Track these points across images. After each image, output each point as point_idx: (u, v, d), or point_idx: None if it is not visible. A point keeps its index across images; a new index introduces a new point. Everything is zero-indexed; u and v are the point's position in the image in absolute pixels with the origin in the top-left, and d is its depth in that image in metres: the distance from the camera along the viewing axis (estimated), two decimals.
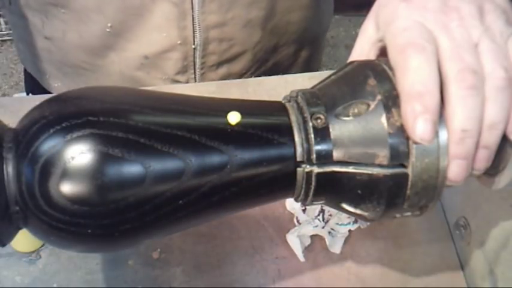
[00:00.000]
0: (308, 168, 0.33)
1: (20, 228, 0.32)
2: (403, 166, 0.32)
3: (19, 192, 0.30)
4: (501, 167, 0.35)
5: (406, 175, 0.32)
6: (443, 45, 0.33)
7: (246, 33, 0.63)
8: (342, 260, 0.52)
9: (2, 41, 1.97)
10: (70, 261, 0.49)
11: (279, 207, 0.54)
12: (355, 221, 0.52)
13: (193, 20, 0.59)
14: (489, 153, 0.33)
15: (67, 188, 0.30)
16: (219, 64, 0.64)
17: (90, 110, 0.32)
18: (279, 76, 0.61)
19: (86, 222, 0.31)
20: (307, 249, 0.52)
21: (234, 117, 0.33)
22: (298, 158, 0.33)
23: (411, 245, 0.53)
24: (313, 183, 0.34)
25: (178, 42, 0.60)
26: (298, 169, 0.33)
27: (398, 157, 0.32)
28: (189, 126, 0.33)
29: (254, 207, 0.38)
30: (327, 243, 0.52)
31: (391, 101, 0.32)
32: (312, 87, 0.36)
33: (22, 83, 0.87)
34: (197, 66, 0.63)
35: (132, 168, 0.31)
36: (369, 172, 0.32)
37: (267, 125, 0.34)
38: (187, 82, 0.64)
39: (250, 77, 0.68)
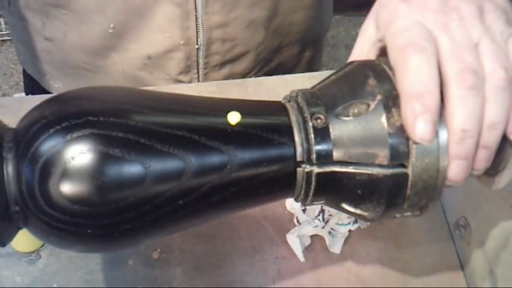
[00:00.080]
0: (308, 168, 0.33)
1: (20, 228, 0.32)
2: (403, 166, 0.32)
3: (19, 192, 0.30)
4: (501, 167, 0.35)
5: (406, 175, 0.32)
6: (443, 45, 0.32)
7: (249, 34, 0.63)
8: (342, 260, 0.52)
9: (2, 41, 1.97)
10: (70, 261, 0.49)
11: (279, 207, 0.54)
12: (355, 221, 0.52)
13: (196, 20, 0.59)
14: (489, 153, 0.33)
15: (67, 188, 0.30)
16: (222, 64, 0.64)
17: (90, 110, 0.32)
18: (279, 76, 0.61)
19: (86, 222, 0.31)
20: (307, 249, 0.52)
21: (234, 117, 0.33)
22: (298, 158, 0.33)
23: (411, 245, 0.53)
24: (313, 183, 0.34)
25: (182, 42, 0.60)
26: (298, 169, 0.33)
27: (398, 157, 0.32)
28: (189, 126, 0.33)
29: (254, 207, 0.38)
30: (327, 243, 0.52)
31: (391, 101, 0.32)
32: (312, 87, 0.36)
33: (22, 83, 0.86)
34: (200, 66, 0.63)
35: (132, 168, 0.31)
36: (369, 172, 0.32)
37: (267, 125, 0.34)
38: (190, 82, 0.64)
39: (253, 77, 0.68)
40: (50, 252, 0.50)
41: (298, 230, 0.52)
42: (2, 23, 1.93)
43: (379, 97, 0.32)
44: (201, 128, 0.33)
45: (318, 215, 0.52)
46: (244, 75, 0.67)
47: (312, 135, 0.33)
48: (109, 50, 0.62)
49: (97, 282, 0.49)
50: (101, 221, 0.31)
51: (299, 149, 0.33)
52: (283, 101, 0.36)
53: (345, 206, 0.35)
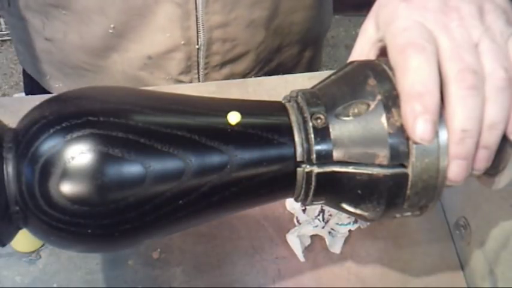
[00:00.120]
0: (308, 168, 0.33)
1: (20, 228, 0.32)
2: (403, 166, 0.32)
3: (19, 192, 0.30)
4: (501, 167, 0.35)
5: (406, 175, 0.32)
6: (444, 45, 0.32)
7: (249, 34, 0.63)
8: (342, 260, 0.52)
9: (2, 41, 1.97)
10: (70, 261, 0.49)
11: (279, 207, 0.54)
12: (355, 221, 0.52)
13: (196, 20, 0.59)
14: (489, 153, 0.33)
15: (67, 188, 0.30)
16: (223, 64, 0.64)
17: (90, 110, 0.32)
18: (279, 76, 0.61)
19: (86, 222, 0.31)
20: (307, 249, 0.52)
21: (234, 117, 0.33)
22: (298, 158, 0.33)
23: (411, 245, 0.53)
24: (313, 183, 0.34)
25: (182, 42, 0.60)
26: (298, 169, 0.33)
27: (398, 157, 0.32)
28: (189, 126, 0.33)
29: (254, 207, 0.38)
30: (327, 243, 0.52)
31: (391, 101, 0.32)
32: (312, 87, 0.36)
33: (22, 83, 0.86)
34: (201, 66, 0.63)
35: (132, 168, 0.31)
36: (369, 172, 0.32)
37: (267, 125, 0.34)
38: (190, 82, 0.64)
39: (254, 77, 0.68)
40: (50, 252, 0.50)
41: (298, 230, 0.52)
42: (2, 23, 1.93)
43: (379, 97, 0.32)
44: (201, 128, 0.33)
45: (318, 215, 0.52)
46: (244, 75, 0.67)
47: (312, 135, 0.33)
48: (109, 50, 0.62)
49: (97, 282, 0.49)
50: (101, 221, 0.31)
51: (299, 149, 0.33)
52: (283, 101, 0.36)
53: (345, 206, 0.35)
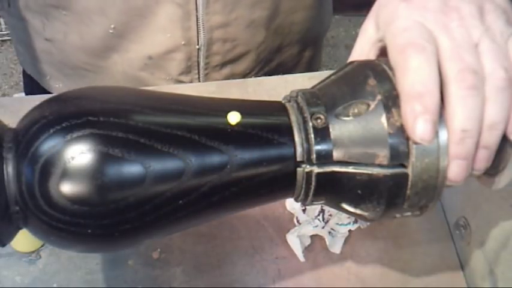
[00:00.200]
0: (308, 168, 0.33)
1: (20, 228, 0.32)
2: (403, 166, 0.32)
3: (19, 192, 0.30)
4: (501, 167, 0.35)
5: (406, 175, 0.32)
6: (444, 45, 0.32)
7: (250, 34, 0.63)
8: (342, 260, 0.52)
9: (2, 41, 1.97)
10: (70, 261, 0.49)
11: (279, 207, 0.54)
12: (355, 221, 0.52)
13: (197, 20, 0.59)
14: (489, 153, 0.33)
15: (67, 188, 0.30)
16: (223, 64, 0.64)
17: (90, 110, 0.32)
18: (279, 76, 0.61)
19: (86, 222, 0.31)
20: (307, 249, 0.52)
21: (234, 117, 0.33)
22: (298, 158, 0.33)
23: (411, 245, 0.53)
24: (313, 183, 0.34)
25: (182, 42, 0.60)
26: (298, 169, 0.33)
27: (398, 157, 0.32)
28: (189, 126, 0.33)
29: (254, 207, 0.38)
30: (327, 243, 0.52)
31: (391, 101, 0.32)
32: (312, 87, 0.36)
33: (22, 83, 0.86)
34: (201, 66, 0.63)
35: (132, 168, 0.31)
36: (369, 172, 0.32)
37: (267, 125, 0.34)
38: (191, 82, 0.64)
39: (254, 77, 0.68)
40: (50, 252, 0.50)
41: (298, 230, 0.52)
42: (2, 23, 1.93)
43: (379, 97, 0.32)
44: (201, 128, 0.33)
45: (318, 215, 0.52)
46: (244, 75, 0.67)
47: (312, 135, 0.33)
48: (110, 51, 0.62)
49: (97, 282, 0.49)
50: (101, 221, 0.31)
51: (299, 149, 0.33)
52: (283, 101, 0.36)
53: (345, 206, 0.35)
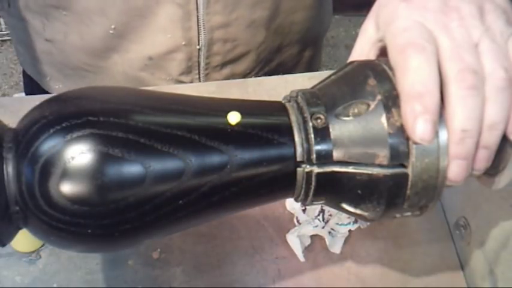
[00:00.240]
0: (308, 168, 0.33)
1: (20, 228, 0.32)
2: (403, 166, 0.32)
3: (19, 192, 0.30)
4: (501, 167, 0.35)
5: (406, 175, 0.32)
6: (444, 45, 0.32)
7: (250, 34, 0.63)
8: (342, 260, 0.52)
9: (2, 41, 1.97)
10: (70, 261, 0.49)
11: (279, 207, 0.54)
12: (355, 221, 0.52)
13: (198, 20, 0.59)
14: (489, 153, 0.33)
15: (67, 188, 0.30)
16: (223, 64, 0.64)
17: (90, 110, 0.32)
18: (279, 76, 0.61)
19: (86, 222, 0.31)
20: (307, 249, 0.52)
21: (234, 117, 0.33)
22: (298, 158, 0.33)
23: (411, 245, 0.53)
24: (313, 183, 0.34)
25: (183, 43, 0.60)
26: (298, 169, 0.33)
27: (398, 157, 0.32)
28: (189, 126, 0.33)
29: (254, 207, 0.38)
30: (327, 243, 0.52)
31: (391, 101, 0.32)
32: (312, 87, 0.36)
33: (22, 83, 0.86)
34: (201, 66, 0.63)
35: (132, 168, 0.31)
36: (369, 172, 0.32)
37: (267, 125, 0.34)
38: (191, 82, 0.64)
39: (254, 77, 0.68)
40: (50, 252, 0.50)
41: (298, 230, 0.52)
42: (2, 23, 1.93)
43: (379, 97, 0.32)
44: (201, 128, 0.33)
45: (318, 215, 0.52)
46: (244, 75, 0.67)
47: (312, 135, 0.33)
48: (110, 51, 0.62)
49: (97, 282, 0.49)
50: (101, 221, 0.31)
51: (299, 149, 0.33)
52: (283, 101, 0.36)
53: (345, 206, 0.35)
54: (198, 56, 0.62)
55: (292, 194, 0.35)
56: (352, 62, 0.35)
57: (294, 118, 0.34)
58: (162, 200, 0.32)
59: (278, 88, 0.59)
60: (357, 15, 2.05)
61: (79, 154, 0.30)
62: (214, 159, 0.32)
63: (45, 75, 0.68)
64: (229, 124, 0.33)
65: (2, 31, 1.95)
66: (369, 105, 0.32)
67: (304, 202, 0.35)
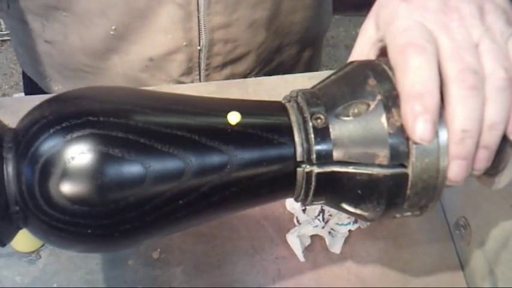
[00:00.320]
0: (308, 168, 0.33)
1: (20, 228, 0.32)
2: (403, 166, 0.32)
3: (19, 192, 0.30)
4: (501, 167, 0.35)
5: (406, 175, 0.32)
6: (444, 46, 0.32)
7: (251, 34, 0.63)
8: (342, 260, 0.52)
9: (2, 41, 1.97)
10: (70, 261, 0.49)
11: (279, 207, 0.54)
12: (355, 221, 0.52)
13: (198, 21, 0.59)
14: (489, 154, 0.33)
15: (67, 188, 0.30)
16: (224, 65, 0.64)
17: (90, 110, 0.32)
18: (279, 76, 0.61)
19: (86, 222, 0.31)
20: (307, 249, 0.52)
21: (234, 117, 0.33)
22: (298, 158, 0.33)
23: (411, 245, 0.53)
24: (313, 183, 0.34)
25: (184, 44, 0.60)
26: (298, 169, 0.33)
27: (398, 157, 0.32)
28: (189, 126, 0.33)
29: (254, 207, 0.38)
30: (327, 243, 0.52)
31: (391, 101, 0.32)
32: (312, 87, 0.36)
33: (22, 83, 0.86)
34: (202, 67, 0.63)
35: (132, 168, 0.31)
36: (369, 172, 0.32)
37: (267, 125, 0.34)
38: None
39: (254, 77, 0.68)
40: (50, 252, 0.50)
41: (298, 230, 0.52)
42: (2, 23, 1.93)
43: (379, 97, 0.32)
44: (201, 128, 0.33)
45: (318, 215, 0.52)
46: (245, 76, 0.67)
47: (312, 135, 0.33)
48: (110, 52, 0.62)
49: (97, 282, 0.49)
50: (101, 221, 0.31)
51: (299, 149, 0.33)
52: (283, 101, 0.36)
53: (345, 206, 0.35)
54: (199, 57, 0.62)
55: (292, 194, 0.35)
56: (352, 62, 0.35)
57: (294, 118, 0.34)
58: (162, 200, 0.32)
59: (278, 88, 0.59)
60: (357, 15, 2.05)
61: (79, 154, 0.30)
62: (214, 159, 0.32)
63: (44, 77, 0.68)
64: (229, 124, 0.33)
65: (2, 31, 1.95)
66: (368, 105, 0.32)
67: (304, 202, 0.35)
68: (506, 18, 0.34)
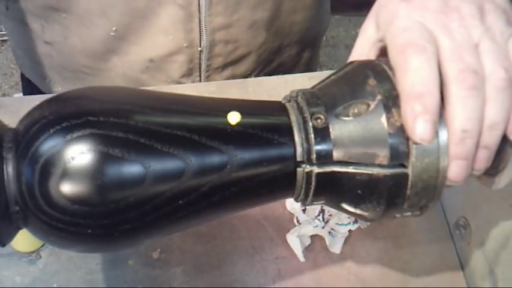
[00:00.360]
0: (308, 168, 0.33)
1: (20, 228, 0.32)
2: (403, 166, 0.32)
3: (19, 192, 0.30)
4: (501, 167, 0.35)
5: (406, 175, 0.32)
6: (444, 46, 0.32)
7: (251, 35, 0.63)
8: (342, 260, 0.52)
9: (2, 41, 1.97)
10: (70, 261, 0.49)
11: (279, 207, 0.54)
12: (355, 221, 0.52)
13: (199, 22, 0.59)
14: (489, 154, 0.33)
15: (67, 188, 0.30)
16: (224, 66, 0.64)
17: (90, 110, 0.32)
18: (279, 76, 0.61)
19: (86, 222, 0.31)
20: (307, 249, 0.52)
21: (234, 117, 0.33)
22: (298, 158, 0.33)
23: (411, 245, 0.53)
24: (313, 183, 0.34)
25: (185, 44, 0.60)
26: (298, 169, 0.33)
27: (398, 157, 0.32)
28: (189, 126, 0.33)
29: (254, 207, 0.38)
30: (327, 243, 0.52)
31: (391, 101, 0.32)
32: (312, 87, 0.36)
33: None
34: (202, 68, 0.63)
35: (132, 168, 0.31)
36: (369, 172, 0.32)
37: (267, 125, 0.34)
38: None
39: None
40: (50, 252, 0.50)
41: (298, 230, 0.52)
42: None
43: (379, 97, 0.32)
44: (201, 128, 0.33)
45: (318, 215, 0.52)
46: (245, 76, 0.67)
47: (312, 135, 0.33)
48: (110, 53, 0.62)
49: (97, 282, 0.49)
50: (101, 221, 0.31)
51: (299, 149, 0.33)
52: (283, 101, 0.36)
53: (345, 206, 0.35)
54: (199, 58, 0.62)
55: (292, 194, 0.35)
56: (352, 62, 0.35)
57: (294, 118, 0.34)
58: (162, 200, 0.32)
59: (278, 88, 0.59)
60: (357, 15, 2.05)
61: (79, 154, 0.30)
62: (214, 159, 0.32)
63: (44, 78, 0.68)
64: (229, 124, 0.33)
65: (2, 31, 1.95)
66: (368, 105, 0.32)
67: (304, 202, 0.35)
68: (506, 18, 0.34)
